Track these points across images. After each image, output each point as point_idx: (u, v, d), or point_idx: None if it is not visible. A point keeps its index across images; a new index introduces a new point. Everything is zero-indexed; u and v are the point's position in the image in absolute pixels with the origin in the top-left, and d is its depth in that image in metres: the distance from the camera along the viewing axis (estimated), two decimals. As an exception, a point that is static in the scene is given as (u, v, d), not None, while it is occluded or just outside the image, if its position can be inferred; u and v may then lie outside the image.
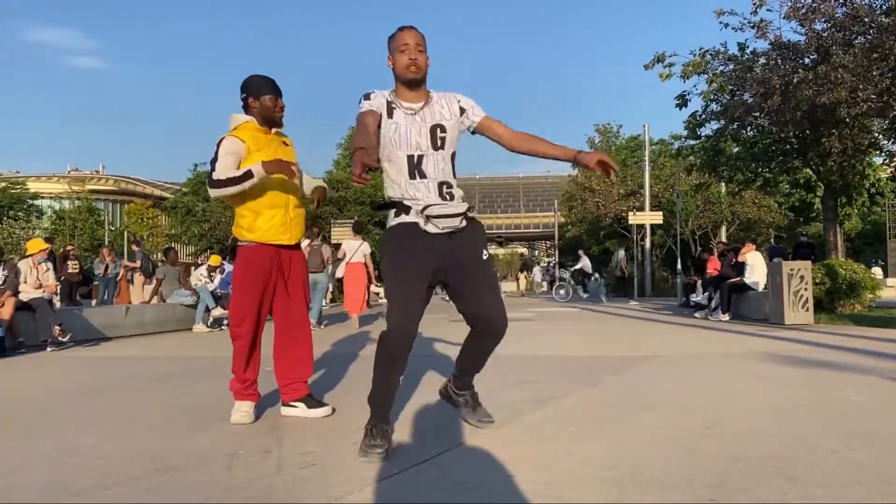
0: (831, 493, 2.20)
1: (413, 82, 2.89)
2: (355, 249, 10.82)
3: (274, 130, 3.65)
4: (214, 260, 11.82)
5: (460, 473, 2.52)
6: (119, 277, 16.33)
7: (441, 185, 2.86)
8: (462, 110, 2.99)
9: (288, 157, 3.64)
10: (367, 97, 2.94)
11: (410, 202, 2.85)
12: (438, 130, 2.90)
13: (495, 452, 2.78)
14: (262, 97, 3.57)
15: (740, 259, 11.78)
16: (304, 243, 11.49)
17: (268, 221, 3.52)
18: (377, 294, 19.32)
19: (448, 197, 2.86)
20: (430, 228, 2.83)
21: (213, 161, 3.45)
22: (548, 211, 59.66)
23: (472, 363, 3.11)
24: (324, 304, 12.05)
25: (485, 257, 2.94)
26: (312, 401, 3.66)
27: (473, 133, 3.05)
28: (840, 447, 2.77)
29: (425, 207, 2.82)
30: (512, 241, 65.26)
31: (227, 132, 3.56)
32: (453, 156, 2.95)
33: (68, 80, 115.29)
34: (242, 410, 3.52)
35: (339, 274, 11.25)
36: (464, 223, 2.90)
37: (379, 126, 2.88)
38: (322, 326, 10.93)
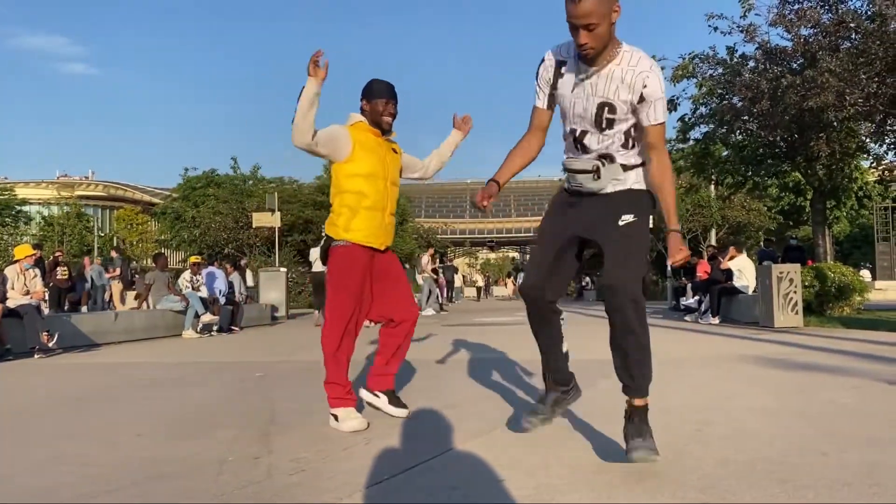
0: (821, 495, 2.21)
1: (591, 59, 2.48)
2: None
3: (385, 137, 3.63)
4: (193, 259, 11.96)
5: (451, 478, 2.51)
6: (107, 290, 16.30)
7: (602, 157, 2.60)
8: (642, 98, 2.47)
9: (394, 164, 3.64)
10: (538, 75, 2.67)
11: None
12: (606, 110, 2.51)
13: (486, 456, 2.78)
14: (374, 100, 3.54)
15: (723, 267, 11.84)
16: None
17: (364, 222, 3.47)
18: None
19: (603, 161, 2.59)
20: (569, 186, 2.69)
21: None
22: (539, 215, 59.79)
23: (615, 357, 2.59)
24: None
25: (622, 222, 2.52)
26: (395, 398, 3.62)
27: None
28: (830, 449, 2.78)
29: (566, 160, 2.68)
30: (503, 246, 65.30)
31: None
32: (629, 130, 2.57)
33: (56, 86, 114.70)
34: (353, 416, 3.38)
35: None
36: (601, 184, 2.58)
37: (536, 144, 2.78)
38: None
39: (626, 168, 2.62)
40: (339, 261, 3.47)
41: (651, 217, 2.79)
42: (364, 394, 3.61)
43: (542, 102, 2.70)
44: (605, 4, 2.34)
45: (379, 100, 3.53)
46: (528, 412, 2.94)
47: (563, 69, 2.58)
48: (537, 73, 2.68)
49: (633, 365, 2.52)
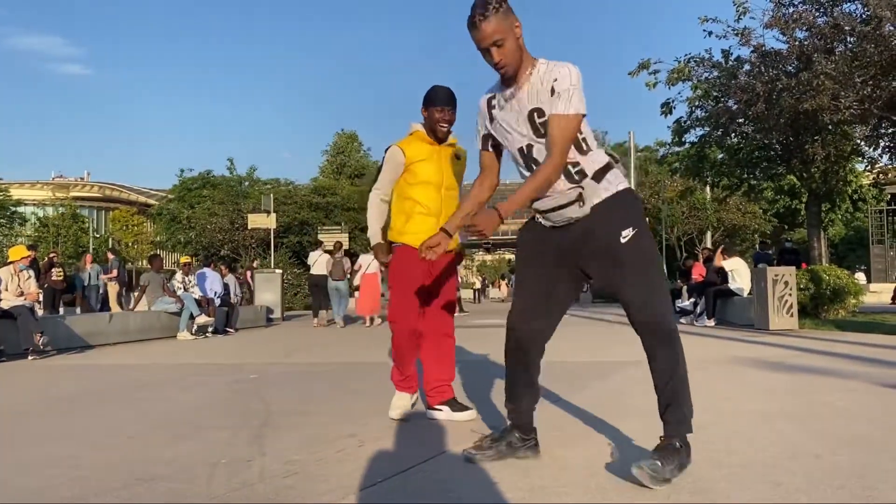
0: (814, 498, 2.20)
1: (509, 78, 2.57)
2: (370, 262, 13.01)
3: (454, 140, 3.67)
4: (184, 259, 12.16)
5: (445, 480, 2.50)
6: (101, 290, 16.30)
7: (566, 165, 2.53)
8: (553, 92, 2.49)
9: (455, 171, 3.68)
10: (476, 123, 2.79)
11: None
12: (536, 115, 2.54)
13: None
14: (431, 108, 3.58)
15: (717, 265, 11.88)
16: (326, 257, 13.93)
17: (416, 227, 3.57)
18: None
19: (576, 177, 2.52)
20: (546, 223, 2.62)
21: (379, 170, 3.70)
22: (535, 217, 59.30)
23: (654, 378, 2.57)
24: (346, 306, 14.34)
25: (624, 239, 2.47)
26: (456, 404, 3.66)
27: None
28: (824, 452, 2.78)
29: (534, 201, 2.60)
30: (499, 248, 65.37)
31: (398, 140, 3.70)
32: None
33: (52, 87, 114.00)
34: (399, 405, 3.58)
35: (356, 282, 13.61)
36: (585, 210, 2.50)
37: (493, 173, 2.81)
38: (342, 326, 13.18)
39: (598, 178, 2.55)
40: (396, 262, 3.64)
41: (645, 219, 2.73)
42: (428, 413, 3.69)
43: (481, 145, 2.80)
44: (505, 21, 2.45)
45: (434, 107, 3.57)
46: (476, 445, 2.76)
47: (494, 101, 2.69)
48: (476, 120, 2.79)
49: (683, 402, 2.49)
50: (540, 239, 2.66)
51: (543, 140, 2.53)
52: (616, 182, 2.58)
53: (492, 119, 2.69)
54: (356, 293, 13.94)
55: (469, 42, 2.55)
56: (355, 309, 14.21)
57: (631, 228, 2.48)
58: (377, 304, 13.39)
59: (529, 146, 2.59)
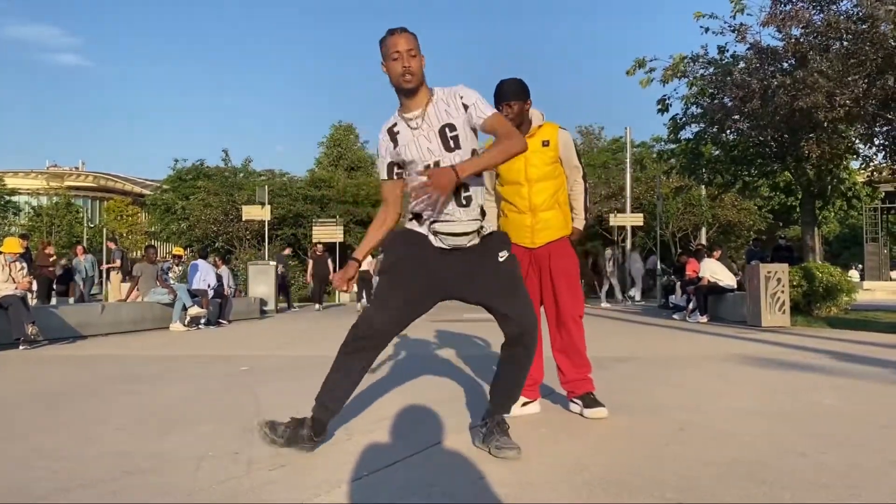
0: (799, 496, 2.21)
1: (410, 91, 2.74)
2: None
3: (535, 130, 3.54)
4: (177, 250, 12.26)
5: (431, 475, 2.50)
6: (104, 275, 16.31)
7: (458, 188, 2.68)
8: (465, 107, 2.74)
9: (539, 161, 3.53)
10: (378, 152, 2.90)
11: (424, 212, 2.77)
12: (448, 130, 2.73)
13: (467, 454, 2.77)
14: (497, 105, 3.47)
15: (690, 274, 12.12)
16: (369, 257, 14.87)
17: (510, 224, 3.61)
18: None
19: (465, 202, 2.71)
20: (437, 243, 2.75)
21: None
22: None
23: (504, 383, 2.87)
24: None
25: (502, 259, 2.77)
26: (590, 399, 3.57)
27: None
28: (810, 450, 2.79)
29: (433, 222, 2.72)
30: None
31: None
32: (474, 153, 2.76)
33: (48, 76, 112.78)
34: (519, 410, 3.48)
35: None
36: (475, 241, 2.74)
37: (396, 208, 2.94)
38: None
39: (483, 216, 2.81)
40: None
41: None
42: (570, 406, 3.67)
43: (384, 174, 2.91)
44: (418, 45, 2.73)
45: (500, 104, 3.47)
46: (271, 429, 2.78)
47: (396, 128, 2.81)
48: (378, 151, 2.91)
49: (516, 394, 2.96)
50: (421, 258, 2.76)
51: (451, 154, 2.72)
52: (491, 223, 2.90)
53: (396, 143, 2.80)
54: None
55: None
56: None
57: (506, 251, 2.80)
58: None
59: (437, 163, 2.72)
